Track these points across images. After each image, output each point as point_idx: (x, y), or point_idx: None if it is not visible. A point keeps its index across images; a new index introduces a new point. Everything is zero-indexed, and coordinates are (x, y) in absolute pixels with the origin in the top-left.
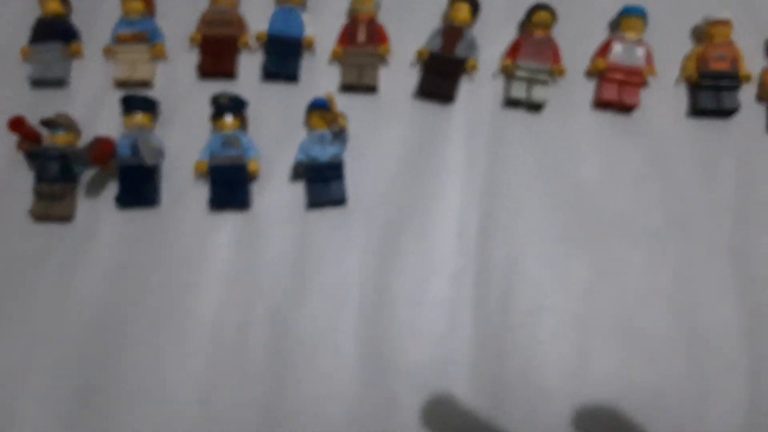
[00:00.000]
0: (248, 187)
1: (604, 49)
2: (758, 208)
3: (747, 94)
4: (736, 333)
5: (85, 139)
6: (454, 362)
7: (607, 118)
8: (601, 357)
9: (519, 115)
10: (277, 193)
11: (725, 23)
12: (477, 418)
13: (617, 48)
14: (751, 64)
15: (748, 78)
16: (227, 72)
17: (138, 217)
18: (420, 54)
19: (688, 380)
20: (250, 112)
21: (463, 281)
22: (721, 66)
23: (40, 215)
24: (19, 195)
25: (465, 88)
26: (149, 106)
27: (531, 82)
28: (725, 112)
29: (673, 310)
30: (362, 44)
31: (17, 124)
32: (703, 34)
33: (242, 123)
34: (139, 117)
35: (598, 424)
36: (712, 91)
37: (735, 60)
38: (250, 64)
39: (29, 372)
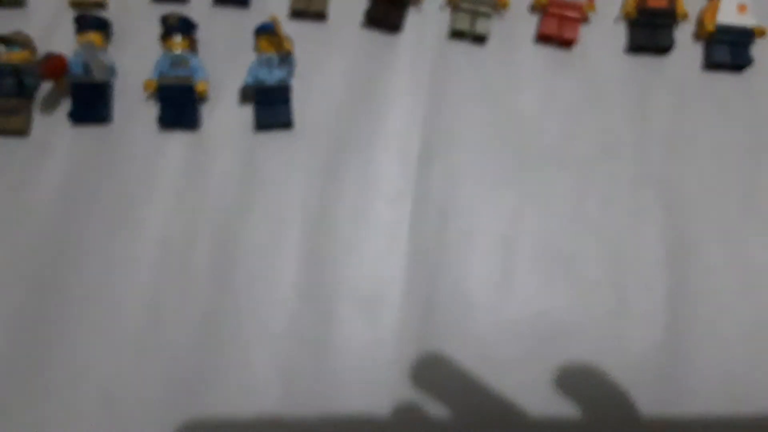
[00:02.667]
0: (197, 107)
1: None
2: (687, 141)
3: (685, 32)
4: (657, 258)
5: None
6: (389, 279)
7: (548, 52)
8: (526, 277)
9: (463, 47)
10: (226, 114)
11: None
12: (409, 331)
13: None
14: (691, 3)
15: (684, 16)
16: None
17: (91, 132)
18: None
19: (609, 300)
20: (201, 35)
21: (402, 204)
22: (659, 3)
23: None
24: None
25: (412, 19)
26: (102, 25)
27: (475, 14)
28: (660, 49)
29: (598, 235)
30: None
31: None
32: None
33: (191, 44)
34: (92, 36)
35: (520, 338)
36: (648, 28)
37: None
38: None
39: None
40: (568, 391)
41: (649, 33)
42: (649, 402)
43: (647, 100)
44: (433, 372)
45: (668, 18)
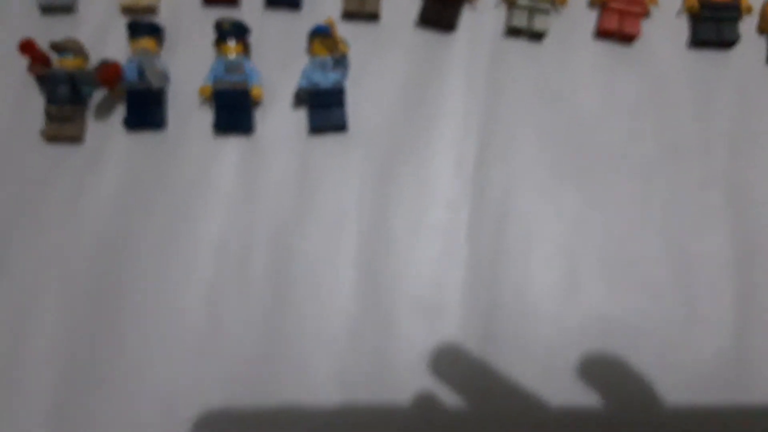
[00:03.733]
0: (252, 112)
1: None
2: (753, 140)
3: (747, 26)
4: (725, 262)
5: (92, 64)
6: (448, 285)
7: (608, 48)
8: (590, 284)
9: (520, 45)
10: (279, 118)
11: None
12: (469, 338)
13: None
14: None
15: (749, 9)
16: None
17: (145, 139)
18: None
19: (676, 308)
20: (253, 39)
21: (459, 208)
22: None
23: (51, 136)
24: (31, 117)
25: (466, 17)
26: (155, 31)
27: (532, 11)
28: (725, 44)
29: (663, 239)
30: None
31: (27, 47)
32: None
33: (245, 49)
34: (145, 42)
35: (584, 345)
36: (712, 22)
37: None
38: None
39: (40, 292)
40: (636, 398)
41: (713, 27)
42: (717, 409)
43: (711, 98)
44: (495, 381)
45: (732, 11)
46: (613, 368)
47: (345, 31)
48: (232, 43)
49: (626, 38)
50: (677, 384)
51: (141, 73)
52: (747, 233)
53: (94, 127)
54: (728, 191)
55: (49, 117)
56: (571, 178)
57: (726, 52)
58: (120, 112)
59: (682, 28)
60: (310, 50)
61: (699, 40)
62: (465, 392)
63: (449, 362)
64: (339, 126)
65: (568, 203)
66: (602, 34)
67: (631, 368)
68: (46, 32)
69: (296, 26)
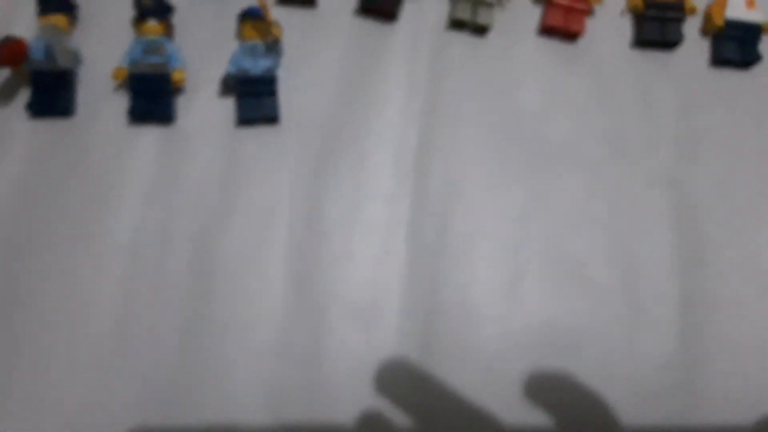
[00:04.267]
0: (172, 98)
1: None
2: (697, 139)
3: (691, 26)
4: (670, 263)
5: None
6: (386, 286)
7: (552, 45)
8: (534, 282)
9: (463, 38)
10: (204, 107)
11: None
12: (409, 341)
13: None
14: None
15: (693, 10)
16: None
17: (51, 126)
18: None
19: (621, 310)
20: (177, 19)
21: (399, 204)
22: None
23: None
24: None
25: (408, 7)
26: (66, 7)
27: (476, 3)
28: (669, 44)
29: (608, 238)
30: None
31: None
32: None
33: (167, 29)
34: (56, 18)
35: (528, 348)
36: (656, 22)
37: None
38: None
39: None
40: (579, 402)
41: (657, 27)
42: (663, 411)
43: (655, 97)
44: (434, 386)
45: (677, 12)
46: (557, 375)
47: (279, 15)
48: (152, 23)
49: (570, 35)
50: (623, 389)
51: (49, 53)
52: (692, 233)
53: None
54: (672, 191)
55: None
56: (514, 174)
57: (669, 52)
58: (23, 95)
59: (625, 28)
60: (240, 34)
61: (643, 40)
62: (404, 405)
63: (387, 373)
64: (270, 117)
65: (512, 200)
66: (546, 30)
67: (575, 374)
68: None
69: (225, 7)
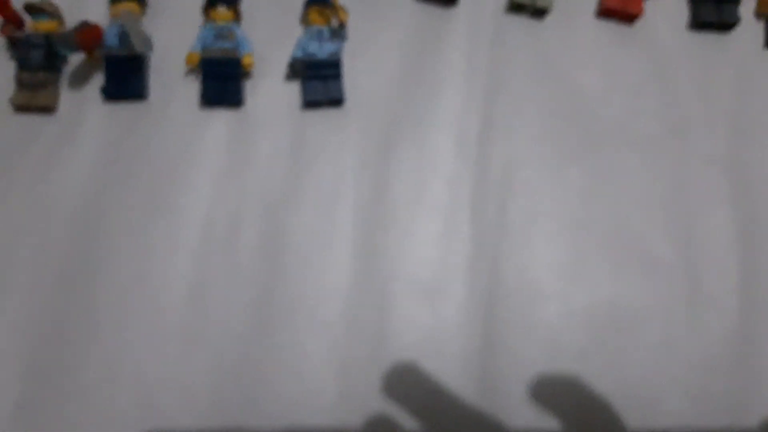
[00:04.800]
0: (242, 83)
1: None
2: (753, 120)
3: (746, 9)
4: (729, 240)
5: (69, 27)
6: (450, 265)
7: (610, 27)
8: (595, 261)
9: (522, 21)
10: (271, 90)
11: None
12: (472, 318)
13: None
14: None
15: None
16: None
17: (125, 110)
18: None
19: (680, 284)
20: (245, 6)
21: (461, 185)
22: None
23: (21, 105)
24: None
25: None
26: None
27: None
28: (725, 26)
29: (667, 216)
30: None
31: (0, 6)
32: None
33: (236, 15)
34: (127, 4)
35: (590, 326)
36: (712, 3)
37: None
38: None
39: (9, 271)
40: (640, 379)
41: (714, 9)
42: (723, 387)
43: (711, 78)
44: (498, 363)
45: None
46: (618, 350)
47: (340, 0)
48: (222, 9)
49: (629, 18)
50: (684, 365)
51: (122, 39)
52: (750, 211)
53: (68, 96)
54: (730, 169)
55: (21, 84)
56: (574, 155)
57: (725, 34)
58: (98, 80)
59: (683, 10)
60: (306, 19)
61: (699, 22)
62: (467, 377)
63: (449, 346)
64: (336, 100)
65: (572, 180)
66: (605, 13)
67: (636, 351)
68: None
69: None
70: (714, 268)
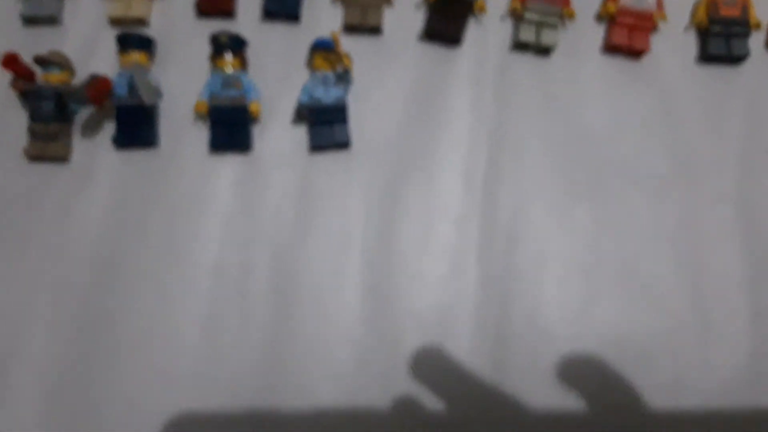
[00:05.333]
0: (249, 128)
1: None
2: (764, 156)
3: (756, 42)
4: (739, 279)
5: (79, 79)
6: (458, 306)
7: (616, 63)
8: (605, 302)
9: (527, 59)
10: (279, 135)
11: None
12: (480, 361)
13: None
14: (761, 12)
15: (757, 25)
16: (226, 10)
17: (136, 158)
18: None
19: (691, 325)
20: (251, 53)
21: (468, 226)
22: (731, 12)
23: (35, 155)
24: (13, 135)
25: (472, 31)
26: (146, 44)
27: (540, 25)
28: (735, 59)
29: (677, 256)
30: None
31: (11, 61)
32: None
33: (242, 63)
34: (136, 55)
35: (601, 368)
36: (721, 37)
37: (745, 6)
38: (249, 2)
39: (30, 312)
40: (651, 418)
41: (723, 42)
42: (734, 427)
43: (721, 113)
44: (508, 406)
45: (742, 27)
46: (629, 391)
47: (346, 44)
48: (229, 57)
49: (635, 53)
50: (694, 404)
51: (132, 88)
52: (760, 249)
53: (81, 146)
54: (740, 207)
55: (33, 135)
56: (582, 193)
57: (735, 67)
58: (109, 129)
59: (690, 44)
60: (312, 64)
61: (708, 55)
62: (475, 419)
63: (460, 389)
64: (342, 143)
65: (580, 219)
66: (611, 48)
67: (647, 390)
68: (29, 44)
69: (295, 39)
70: (724, 306)
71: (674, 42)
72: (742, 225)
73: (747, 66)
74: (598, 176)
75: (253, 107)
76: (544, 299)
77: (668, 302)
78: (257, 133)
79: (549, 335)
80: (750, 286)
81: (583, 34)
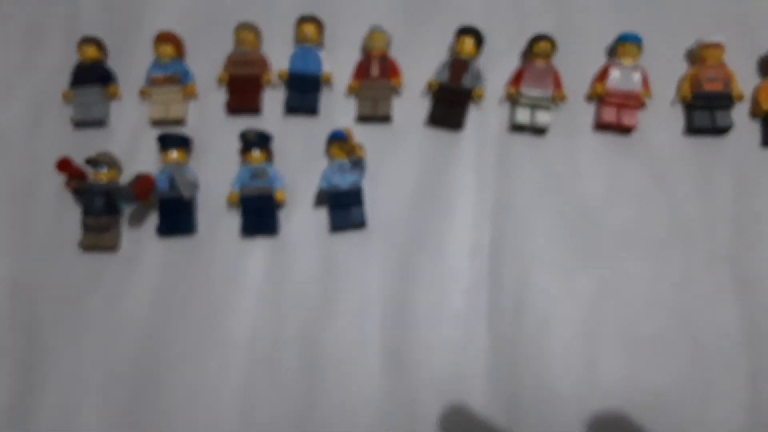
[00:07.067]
0: (276, 214)
1: (602, 75)
2: (754, 218)
3: (742, 111)
4: (736, 337)
5: (126, 175)
6: (470, 371)
7: (608, 138)
8: (608, 364)
9: (524, 139)
10: (302, 218)
11: (717, 46)
12: (493, 424)
13: (614, 74)
14: (745, 82)
15: (740, 97)
16: (253, 108)
17: (177, 244)
18: (430, 85)
19: (691, 383)
20: (275, 144)
21: (477, 295)
22: (714, 87)
23: (88, 246)
24: (68, 228)
25: (473, 115)
26: (183, 143)
27: (534, 107)
28: (720, 130)
29: (676, 317)
30: (376, 78)
31: (64, 165)
32: (696, 56)
33: (268, 155)
34: (175, 154)
35: (607, 429)
36: (706, 110)
37: (727, 81)
38: (273, 99)
39: (83, 391)
40: None
41: (708, 115)
42: None
43: (711, 180)
44: None
45: (724, 100)
46: None
47: (360, 132)
48: (256, 153)
49: (624, 129)
50: None
51: (172, 183)
52: (755, 306)
53: (128, 235)
54: (734, 267)
55: (87, 228)
56: (582, 260)
57: (722, 137)
58: (153, 219)
59: (677, 117)
60: (329, 154)
61: (694, 128)
62: None
63: None
64: (359, 224)
65: (582, 285)
66: (601, 126)
67: None
68: (80, 145)
69: (314, 131)
70: (722, 365)
71: (662, 116)
72: (738, 285)
73: (733, 134)
74: (597, 243)
75: (278, 195)
76: (551, 362)
77: (668, 361)
78: (283, 217)
79: (556, 398)
80: (747, 344)
81: (575, 113)
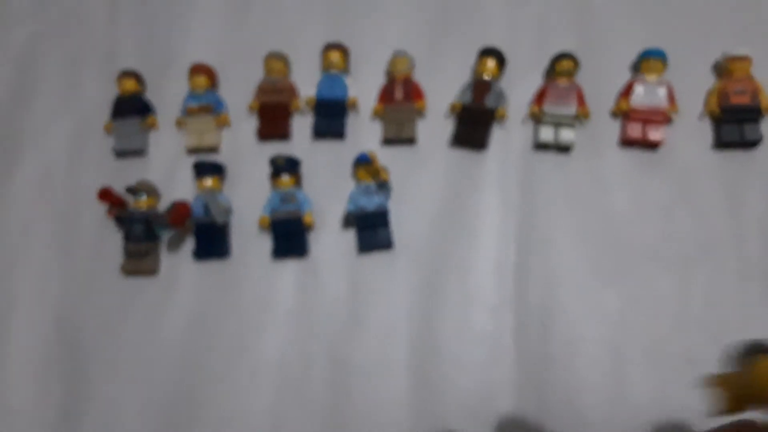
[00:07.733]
0: (306, 236)
1: (627, 91)
2: None
3: None
4: None
5: (164, 202)
6: (497, 390)
7: (634, 154)
8: (637, 382)
9: (549, 157)
10: (331, 240)
11: (744, 59)
12: None
13: (639, 90)
14: None
15: None
16: (282, 134)
17: (212, 267)
18: (453, 107)
19: None
20: (304, 168)
21: (503, 314)
22: (742, 100)
23: (129, 271)
24: (110, 254)
25: (496, 135)
26: (217, 170)
27: (558, 125)
28: (748, 144)
29: (705, 335)
30: (400, 101)
31: (105, 194)
32: (723, 69)
33: (297, 180)
34: (209, 181)
35: None
36: (734, 124)
37: (755, 93)
38: (301, 125)
39: (124, 410)
40: None
41: (736, 129)
42: None
43: (740, 195)
44: None
45: (753, 113)
46: None
47: (385, 154)
48: (285, 178)
49: (651, 145)
50: None
51: (207, 210)
52: None
53: (166, 259)
54: (764, 284)
55: (128, 253)
56: (610, 278)
57: (750, 150)
58: (189, 244)
59: (705, 131)
60: (355, 176)
61: (723, 142)
62: None
63: None
64: (385, 245)
65: (609, 302)
66: (627, 142)
67: None
68: (120, 174)
69: (342, 155)
70: None
71: (690, 130)
72: (766, 300)
73: (762, 148)
74: (623, 260)
75: (307, 218)
76: (579, 381)
77: (697, 380)
78: (312, 240)
79: (586, 416)
80: None
81: (600, 130)
